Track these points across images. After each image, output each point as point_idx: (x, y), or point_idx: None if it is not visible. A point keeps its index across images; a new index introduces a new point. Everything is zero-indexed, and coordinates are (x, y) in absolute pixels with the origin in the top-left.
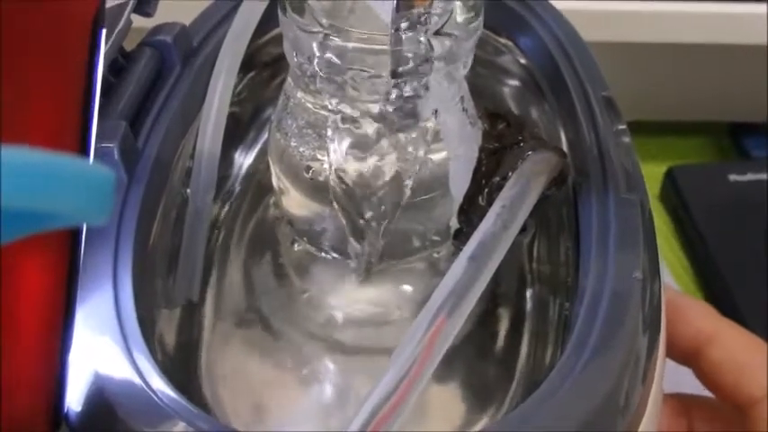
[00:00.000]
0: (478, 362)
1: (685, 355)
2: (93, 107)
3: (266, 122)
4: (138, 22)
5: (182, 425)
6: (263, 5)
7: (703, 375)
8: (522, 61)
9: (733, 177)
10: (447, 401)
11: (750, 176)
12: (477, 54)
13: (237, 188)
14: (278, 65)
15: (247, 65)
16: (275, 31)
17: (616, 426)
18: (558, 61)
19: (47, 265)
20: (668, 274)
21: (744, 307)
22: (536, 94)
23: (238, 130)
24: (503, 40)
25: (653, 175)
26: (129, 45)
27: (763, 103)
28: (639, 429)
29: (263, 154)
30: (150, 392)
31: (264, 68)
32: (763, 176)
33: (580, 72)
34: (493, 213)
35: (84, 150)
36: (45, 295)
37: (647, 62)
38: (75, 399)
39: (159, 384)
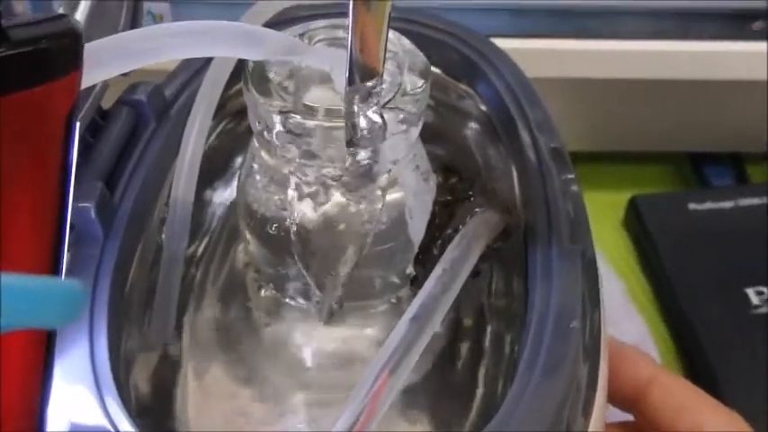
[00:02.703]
0: (441, 390)
1: (627, 401)
2: (69, 189)
3: (238, 167)
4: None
5: None
6: (234, 61)
7: (644, 420)
8: (481, 107)
9: (692, 206)
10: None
11: (709, 205)
12: (441, 98)
13: (212, 230)
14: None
15: (218, 114)
16: None
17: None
18: (511, 110)
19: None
20: (630, 300)
21: (699, 326)
22: (493, 137)
23: (211, 176)
24: (463, 87)
25: (618, 202)
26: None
27: (722, 134)
28: None
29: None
30: None
31: (235, 117)
32: (720, 205)
33: (532, 123)
34: (434, 276)
35: (61, 226)
36: (25, 351)
37: (612, 97)
38: None
39: (126, 427)
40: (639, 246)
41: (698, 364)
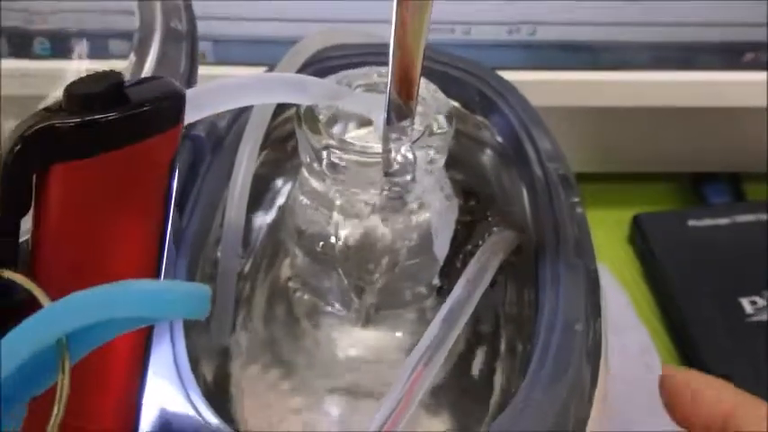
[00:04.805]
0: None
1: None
2: (168, 220)
3: (281, 189)
4: None
5: None
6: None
7: None
8: (496, 137)
9: (692, 223)
10: (436, 424)
11: (707, 221)
12: (461, 129)
13: (257, 247)
14: (291, 140)
15: (265, 140)
16: (289, 113)
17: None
18: (522, 140)
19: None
20: (634, 310)
21: (697, 333)
22: (507, 164)
23: (256, 199)
24: (479, 118)
25: (623, 219)
26: None
27: (720, 156)
28: None
29: (278, 218)
30: (203, 421)
31: (275, 147)
32: (717, 221)
33: (541, 151)
34: (460, 285)
35: (161, 247)
36: (135, 349)
37: (618, 122)
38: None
39: (209, 416)
40: (643, 260)
41: (697, 368)
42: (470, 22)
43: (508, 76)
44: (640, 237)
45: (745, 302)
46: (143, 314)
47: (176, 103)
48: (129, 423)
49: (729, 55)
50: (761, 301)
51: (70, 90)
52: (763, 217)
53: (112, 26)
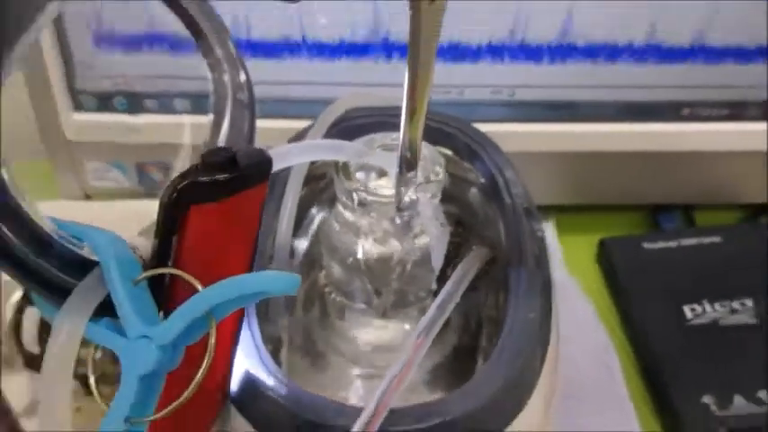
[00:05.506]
0: (454, 368)
1: None
2: (258, 236)
3: (315, 216)
4: None
5: (291, 397)
6: None
7: None
8: (480, 179)
9: (646, 245)
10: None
11: (659, 244)
12: (453, 172)
13: (298, 263)
14: (323, 179)
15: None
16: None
17: (521, 399)
18: (498, 181)
19: (235, 317)
20: (599, 317)
21: (648, 334)
22: (487, 198)
23: (298, 223)
24: (467, 164)
25: (592, 242)
26: None
27: (673, 190)
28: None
29: (313, 239)
30: (275, 378)
31: (315, 182)
32: (667, 244)
33: (512, 191)
34: (449, 283)
35: (253, 256)
36: (236, 322)
37: (589, 163)
38: (234, 385)
39: (280, 375)
40: (607, 276)
41: (647, 364)
42: (462, 86)
43: (495, 128)
44: (605, 257)
45: (687, 309)
46: (260, 290)
47: (267, 165)
48: (227, 378)
49: (672, 110)
50: (699, 309)
51: (204, 159)
52: (704, 240)
53: (177, 88)
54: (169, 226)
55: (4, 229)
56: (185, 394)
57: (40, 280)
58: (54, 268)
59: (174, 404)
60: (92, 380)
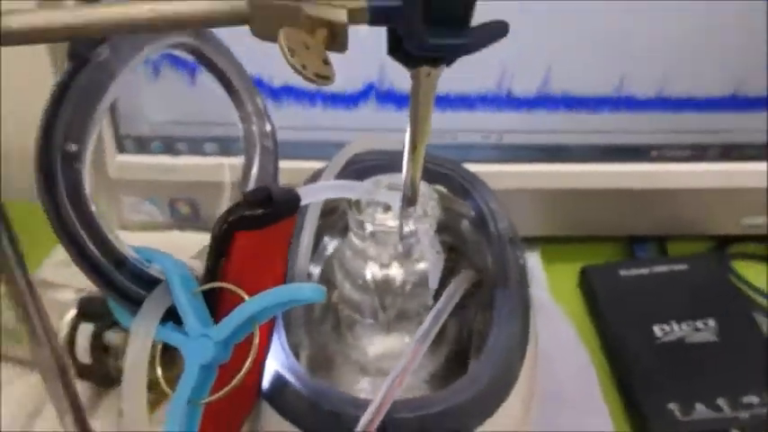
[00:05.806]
0: (449, 372)
1: None
2: (288, 258)
3: (328, 244)
4: None
5: (312, 390)
6: None
7: None
8: (471, 212)
9: (622, 272)
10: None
11: (633, 271)
12: (447, 206)
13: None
14: (335, 213)
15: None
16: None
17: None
18: (486, 215)
19: (266, 332)
20: (580, 338)
21: (622, 352)
22: (477, 229)
23: (314, 249)
24: (460, 200)
25: (574, 270)
26: None
27: (647, 223)
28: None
29: (327, 263)
30: (298, 379)
31: (329, 215)
32: (640, 271)
33: (498, 224)
34: (441, 301)
35: (285, 273)
36: (270, 326)
37: (573, 200)
38: (266, 384)
39: (304, 376)
40: (587, 300)
41: (622, 376)
42: (456, 131)
43: (486, 168)
44: (586, 283)
45: (657, 329)
46: (292, 298)
47: (296, 201)
48: (260, 378)
49: (642, 152)
50: (668, 328)
51: (245, 197)
52: (674, 267)
53: (207, 133)
54: (220, 250)
55: (93, 249)
56: (234, 381)
57: (116, 289)
58: (127, 281)
59: (226, 389)
60: (159, 371)
